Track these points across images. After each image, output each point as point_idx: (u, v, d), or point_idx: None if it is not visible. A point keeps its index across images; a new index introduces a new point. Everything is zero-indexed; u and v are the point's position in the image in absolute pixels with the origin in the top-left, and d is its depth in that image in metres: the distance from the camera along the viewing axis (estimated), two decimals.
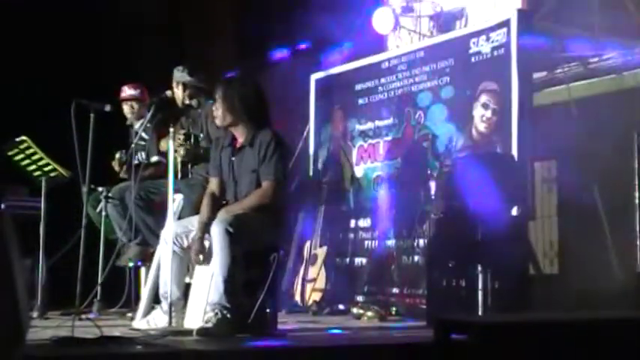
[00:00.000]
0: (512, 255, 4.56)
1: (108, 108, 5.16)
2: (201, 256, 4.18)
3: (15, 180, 5.59)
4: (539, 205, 5.78)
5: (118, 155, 5.63)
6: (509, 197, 4.74)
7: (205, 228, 4.20)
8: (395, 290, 5.77)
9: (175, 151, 4.66)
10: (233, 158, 4.34)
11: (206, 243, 4.21)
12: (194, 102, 5.23)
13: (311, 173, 6.62)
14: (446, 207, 4.89)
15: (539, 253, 5.73)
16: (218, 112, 4.29)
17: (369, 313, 5.27)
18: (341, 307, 5.80)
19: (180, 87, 5.24)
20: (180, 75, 5.24)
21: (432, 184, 5.59)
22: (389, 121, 6.10)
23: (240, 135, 4.33)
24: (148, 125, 5.42)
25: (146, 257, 5.23)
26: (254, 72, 5.87)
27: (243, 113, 4.27)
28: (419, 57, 5.94)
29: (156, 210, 5.20)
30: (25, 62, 6.31)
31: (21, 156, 5.35)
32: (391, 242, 5.90)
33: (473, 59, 5.50)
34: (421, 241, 5.63)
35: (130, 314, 4.99)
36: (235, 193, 4.32)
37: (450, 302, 4.58)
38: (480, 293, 4.46)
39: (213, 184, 4.43)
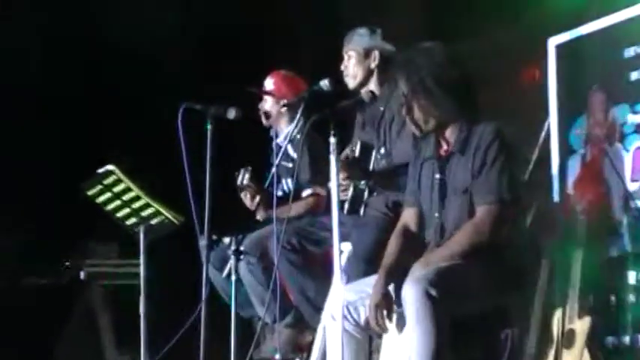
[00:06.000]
0: None
1: (233, 114, 4.75)
2: (387, 322, 3.92)
3: (98, 232, 5.60)
4: None
5: (240, 178, 5.44)
6: None
7: (390, 276, 4.01)
8: None
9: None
10: (437, 175, 4.09)
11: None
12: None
13: (556, 196, 6.12)
14: None
15: None
16: (412, 114, 4.02)
17: None
18: None
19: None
20: (368, 39, 5.03)
21: None
22: None
23: (449, 137, 4.07)
24: (297, 136, 5.33)
25: (302, 346, 5.24)
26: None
27: (451, 103, 3.97)
28: None
29: (316, 268, 5.14)
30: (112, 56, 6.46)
31: (107, 195, 5.11)
32: None
33: None
34: None
35: None
36: (441, 228, 4.09)
37: None
38: None
39: (407, 216, 4.27)
